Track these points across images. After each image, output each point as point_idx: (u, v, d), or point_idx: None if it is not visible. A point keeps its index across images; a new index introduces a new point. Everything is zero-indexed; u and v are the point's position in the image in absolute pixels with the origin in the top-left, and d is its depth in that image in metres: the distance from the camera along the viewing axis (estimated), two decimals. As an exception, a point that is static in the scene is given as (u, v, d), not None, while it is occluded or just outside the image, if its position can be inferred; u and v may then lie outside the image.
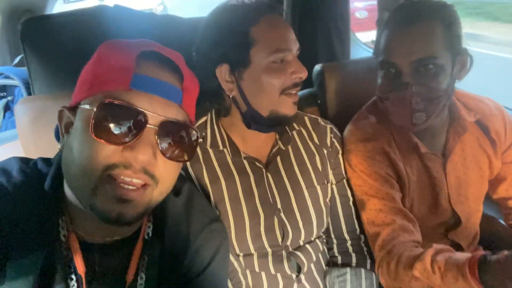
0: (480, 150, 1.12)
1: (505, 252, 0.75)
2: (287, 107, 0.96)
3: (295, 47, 0.95)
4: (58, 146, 0.68)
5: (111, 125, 0.60)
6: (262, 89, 0.94)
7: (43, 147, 1.00)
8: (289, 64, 0.94)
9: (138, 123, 0.61)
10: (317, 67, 1.41)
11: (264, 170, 1.04)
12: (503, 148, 1.12)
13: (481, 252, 0.81)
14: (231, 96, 0.98)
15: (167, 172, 0.66)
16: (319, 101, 1.44)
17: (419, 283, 0.91)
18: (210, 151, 1.03)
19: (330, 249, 1.13)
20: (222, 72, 0.95)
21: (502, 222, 1.29)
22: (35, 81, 1.13)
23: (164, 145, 0.64)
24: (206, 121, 1.07)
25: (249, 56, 0.92)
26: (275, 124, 1.00)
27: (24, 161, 0.71)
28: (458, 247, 1.17)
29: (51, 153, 0.74)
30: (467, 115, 1.09)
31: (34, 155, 1.00)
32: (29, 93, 1.29)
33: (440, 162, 1.10)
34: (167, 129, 0.64)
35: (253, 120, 0.99)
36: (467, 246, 1.19)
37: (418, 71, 0.96)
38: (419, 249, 0.94)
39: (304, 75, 0.95)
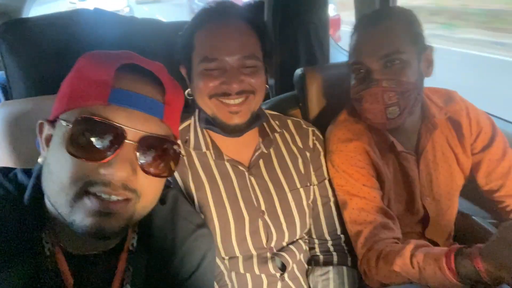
0: (448, 148, 1.17)
1: (479, 245, 0.79)
2: (223, 115, 0.95)
3: (235, 55, 0.92)
4: (40, 159, 0.66)
5: (88, 142, 0.59)
6: (196, 90, 0.98)
7: (23, 152, 0.97)
8: (222, 74, 0.93)
9: (115, 139, 0.59)
10: (298, 71, 1.44)
11: (247, 173, 1.05)
12: (471, 141, 1.17)
13: (457, 245, 0.85)
14: (188, 94, 1.02)
15: (149, 186, 0.64)
16: (300, 104, 1.46)
17: (399, 278, 0.95)
18: (193, 154, 1.04)
19: (311, 248, 1.15)
20: (183, 72, 1.03)
21: (476, 219, 1.34)
22: (13, 84, 1.11)
23: (144, 160, 0.62)
24: (189, 124, 1.08)
25: (191, 60, 0.97)
26: (224, 128, 0.98)
27: (3, 173, 0.69)
28: (435, 245, 1.20)
29: (32, 159, 0.72)
30: (438, 112, 1.14)
31: (13, 160, 0.98)
32: (7, 98, 1.26)
33: (414, 160, 1.14)
34: (147, 144, 0.62)
35: (203, 118, 1.02)
36: (443, 244, 1.23)
37: (386, 67, 1.02)
38: (398, 245, 0.97)
39: (229, 88, 0.92)
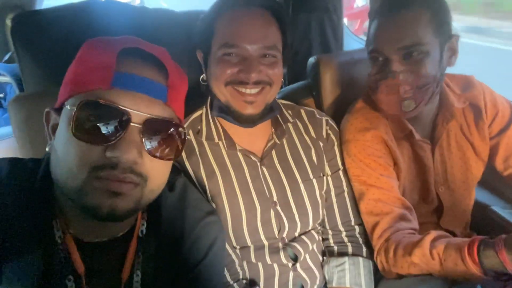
0: (463, 137, 1.14)
1: (503, 236, 0.77)
2: (238, 104, 0.95)
3: (257, 44, 0.92)
4: (47, 147, 0.67)
5: (93, 125, 0.59)
6: (212, 77, 0.97)
7: (39, 144, 0.99)
8: (241, 61, 0.92)
9: (120, 122, 0.60)
10: (312, 59, 1.42)
11: (259, 164, 1.04)
12: (488, 123, 1.14)
13: (479, 236, 0.83)
14: (203, 80, 1.02)
15: (155, 170, 0.65)
16: (314, 93, 1.44)
17: (417, 269, 0.93)
18: (206, 144, 1.03)
19: (325, 239, 1.14)
20: (199, 57, 1.04)
21: (495, 209, 1.31)
22: (27, 77, 1.11)
23: (150, 143, 0.62)
24: (201, 114, 1.07)
25: (210, 45, 0.96)
26: (237, 117, 0.97)
27: (14, 163, 0.70)
28: (452, 235, 1.19)
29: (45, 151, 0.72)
30: (456, 101, 1.10)
31: (28, 152, 0.99)
32: (21, 90, 1.28)
33: (429, 149, 1.12)
34: (152, 127, 0.63)
35: (217, 106, 1.01)
36: (460, 234, 1.21)
37: (405, 59, 0.97)
38: (417, 235, 0.96)
39: (247, 77, 0.91)
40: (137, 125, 0.61)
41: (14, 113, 1.00)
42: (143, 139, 0.62)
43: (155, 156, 0.63)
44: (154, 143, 0.63)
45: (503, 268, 0.76)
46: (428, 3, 0.98)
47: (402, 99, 1.00)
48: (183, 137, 0.69)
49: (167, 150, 0.66)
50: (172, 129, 0.66)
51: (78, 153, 0.59)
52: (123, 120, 0.60)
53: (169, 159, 0.67)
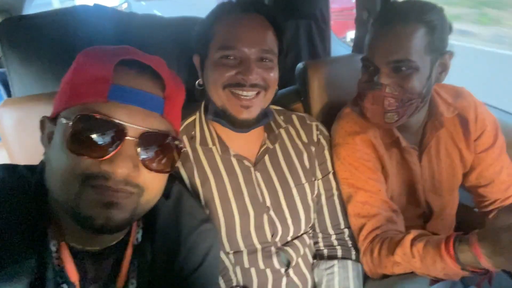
0: (453, 145, 1.17)
1: (476, 231, 0.79)
2: (234, 108, 0.95)
3: (254, 48, 0.93)
4: (43, 156, 0.67)
5: (89, 139, 0.59)
6: (209, 80, 0.97)
7: (29, 149, 0.98)
8: (239, 63, 0.93)
9: (116, 136, 0.59)
10: (300, 65, 1.44)
11: (252, 169, 1.05)
12: (474, 137, 1.16)
13: (455, 233, 0.85)
14: (198, 84, 1.03)
15: (152, 182, 0.64)
16: (302, 98, 1.46)
17: (401, 268, 0.95)
18: (199, 149, 1.04)
19: (316, 243, 1.15)
20: (196, 62, 1.03)
21: (478, 211, 1.34)
22: (14, 82, 1.11)
23: (146, 156, 0.62)
24: (195, 119, 1.08)
25: (208, 49, 0.96)
26: (232, 122, 0.97)
27: (8, 169, 0.69)
28: None
29: (37, 155, 0.72)
30: (446, 110, 1.13)
31: (19, 158, 0.98)
32: (9, 95, 1.26)
33: (417, 155, 1.14)
34: (148, 140, 0.62)
35: (212, 111, 1.01)
36: None
37: (394, 72, 0.98)
38: (399, 235, 0.97)
39: (244, 79, 0.92)
40: (133, 138, 0.60)
41: (4, 118, 0.99)
42: (139, 152, 0.61)
43: (151, 169, 0.63)
44: (150, 156, 0.63)
45: (477, 262, 0.77)
46: (425, 18, 0.96)
47: (386, 110, 1.02)
48: (179, 149, 0.68)
49: (163, 163, 0.65)
50: (168, 142, 0.66)
51: (72, 165, 0.58)
52: (119, 134, 0.59)
53: (165, 172, 0.66)
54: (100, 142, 0.59)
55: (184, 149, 0.70)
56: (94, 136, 0.59)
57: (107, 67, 0.61)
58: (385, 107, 1.01)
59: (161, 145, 0.65)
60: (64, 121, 0.60)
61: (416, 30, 0.95)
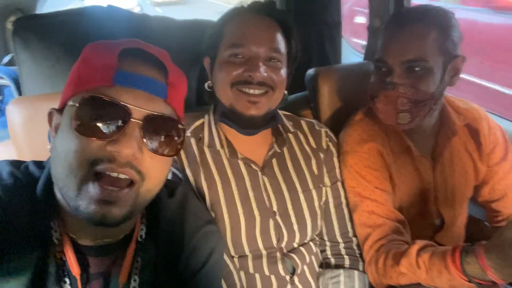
0: (466, 154, 1.15)
1: (483, 242, 0.77)
2: (241, 104, 0.95)
3: (263, 46, 0.94)
4: (48, 147, 0.67)
5: (94, 120, 0.60)
6: (218, 79, 0.98)
7: (37, 147, 0.98)
8: (246, 61, 0.95)
9: (121, 117, 0.61)
10: (310, 71, 1.43)
11: (260, 173, 1.04)
12: (486, 151, 1.15)
13: (462, 244, 0.83)
14: (208, 87, 1.03)
15: (154, 167, 0.65)
16: (311, 104, 1.45)
17: (406, 279, 0.94)
18: (207, 151, 1.03)
19: (323, 251, 1.14)
20: (206, 64, 1.05)
21: (487, 224, 1.32)
22: (26, 80, 1.12)
23: (150, 139, 0.63)
24: (203, 122, 1.08)
25: (218, 49, 0.98)
26: (240, 121, 0.98)
27: (15, 165, 0.70)
28: None
29: (44, 154, 0.72)
30: (457, 119, 1.12)
31: (27, 156, 0.99)
32: (20, 93, 1.27)
33: (430, 165, 1.13)
34: (152, 123, 0.64)
35: (221, 113, 1.01)
36: None
37: (407, 72, 0.98)
38: (404, 245, 0.96)
39: (253, 74, 0.93)
40: (138, 120, 0.62)
41: (13, 116, 1.00)
42: (144, 135, 0.62)
43: (155, 152, 0.64)
44: (154, 139, 0.64)
45: (484, 274, 0.76)
46: (437, 21, 0.98)
47: (399, 111, 1.01)
48: (182, 133, 0.69)
49: (167, 146, 0.66)
50: (172, 126, 0.67)
51: (79, 147, 0.59)
52: (124, 115, 0.61)
53: (169, 155, 0.67)
54: (105, 124, 0.60)
55: (188, 133, 0.69)
56: (100, 117, 0.60)
57: (112, 55, 0.63)
58: (398, 107, 1.01)
59: (165, 129, 0.66)
60: (71, 103, 0.62)
61: (430, 31, 0.97)
